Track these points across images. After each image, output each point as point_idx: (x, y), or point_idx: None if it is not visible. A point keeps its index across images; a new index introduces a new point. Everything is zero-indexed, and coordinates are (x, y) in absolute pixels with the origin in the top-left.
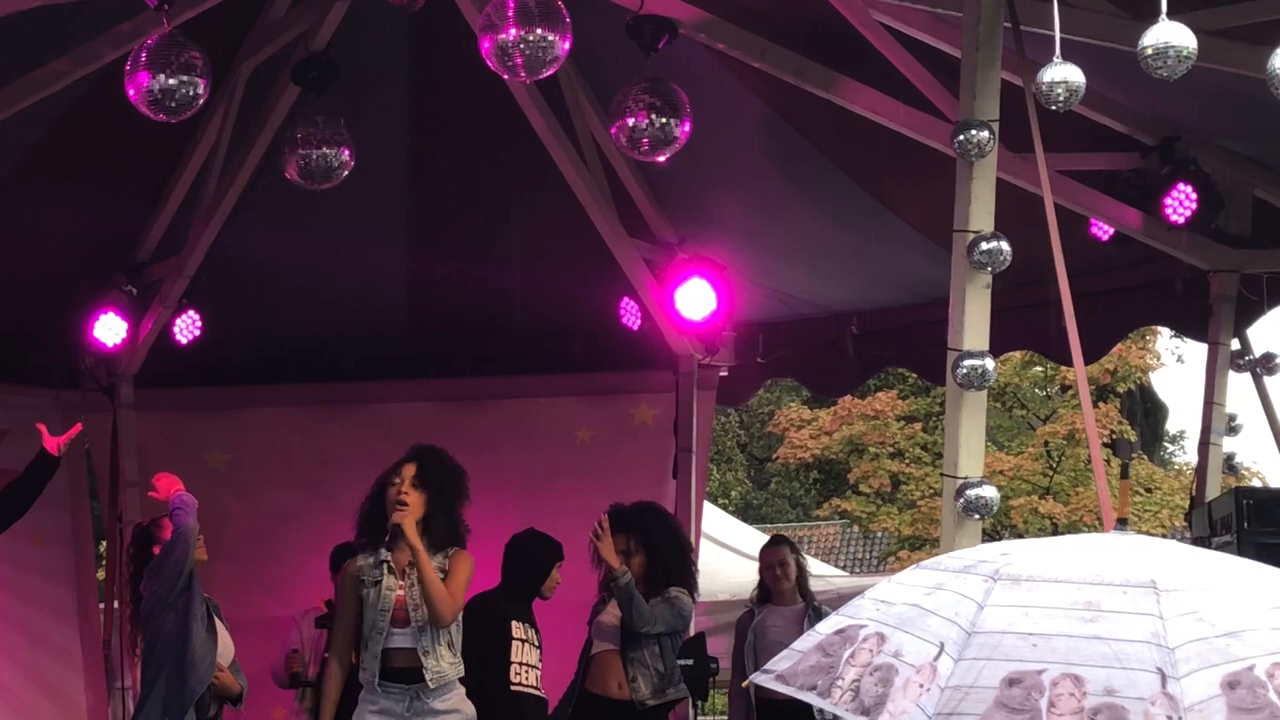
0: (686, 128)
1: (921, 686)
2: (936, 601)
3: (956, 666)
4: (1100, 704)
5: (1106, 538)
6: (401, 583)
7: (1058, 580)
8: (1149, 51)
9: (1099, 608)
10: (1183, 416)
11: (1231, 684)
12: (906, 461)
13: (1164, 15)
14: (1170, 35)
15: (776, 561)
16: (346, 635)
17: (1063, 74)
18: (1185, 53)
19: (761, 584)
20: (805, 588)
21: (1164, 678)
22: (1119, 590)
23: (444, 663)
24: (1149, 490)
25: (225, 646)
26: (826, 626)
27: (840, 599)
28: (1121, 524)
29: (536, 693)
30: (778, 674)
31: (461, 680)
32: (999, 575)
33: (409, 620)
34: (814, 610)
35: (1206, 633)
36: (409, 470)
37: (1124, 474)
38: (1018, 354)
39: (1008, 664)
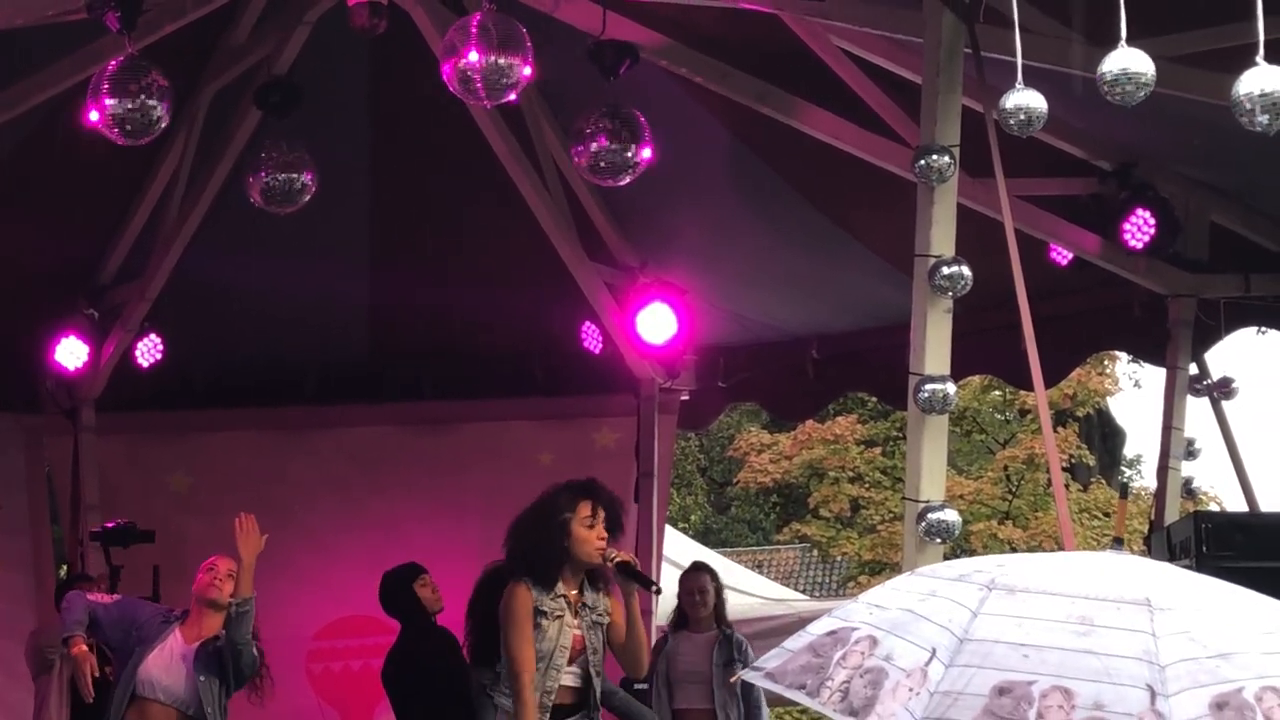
0: (647, 153)
1: (911, 690)
2: (930, 607)
3: (947, 672)
4: (1089, 718)
5: (1102, 555)
6: (577, 620)
7: (1052, 593)
8: (1107, 78)
9: (1092, 622)
10: (1140, 441)
11: (1220, 705)
12: (866, 486)
13: (1123, 42)
14: (1129, 62)
15: (697, 588)
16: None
17: (1023, 100)
18: (1144, 79)
19: (679, 610)
20: (722, 614)
21: (1153, 695)
22: (1113, 606)
23: (598, 701)
24: (1107, 515)
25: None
26: (818, 627)
27: (801, 623)
28: (1117, 543)
29: None
30: (767, 671)
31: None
32: (994, 585)
33: (576, 660)
34: (726, 638)
35: (1197, 653)
36: (594, 508)
37: (1123, 494)
38: (977, 378)
39: (998, 673)
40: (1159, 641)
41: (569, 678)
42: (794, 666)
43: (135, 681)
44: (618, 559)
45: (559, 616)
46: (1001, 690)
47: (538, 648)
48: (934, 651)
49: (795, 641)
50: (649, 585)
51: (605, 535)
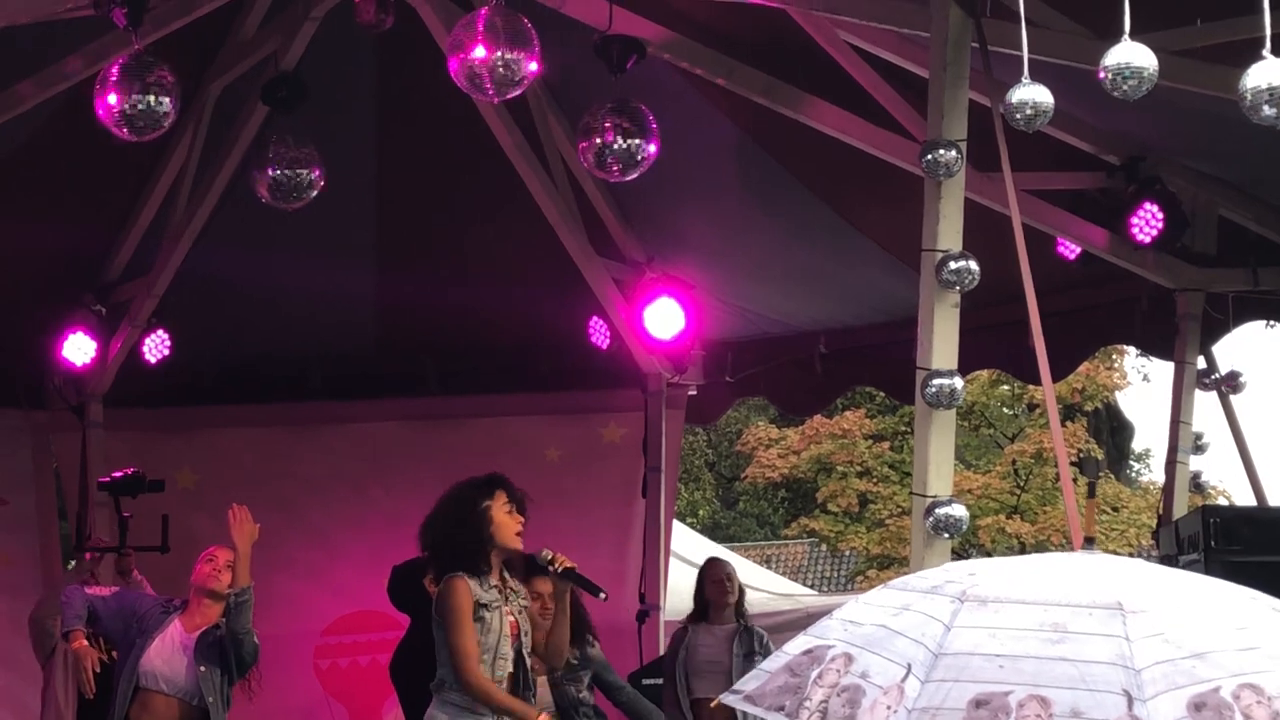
0: (653, 148)
1: (889, 708)
2: (904, 622)
3: (924, 688)
4: None
5: (1074, 557)
6: (509, 607)
7: (1024, 601)
8: (1110, 72)
9: (1065, 629)
10: (1148, 435)
11: (1198, 705)
12: (874, 480)
13: (1126, 36)
14: (1131, 56)
15: (724, 575)
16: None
17: (1030, 94)
18: (1146, 73)
19: (700, 601)
20: (741, 607)
21: (1130, 699)
22: (1085, 612)
23: (536, 687)
24: (1115, 509)
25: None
26: (795, 646)
27: (809, 618)
28: (1089, 543)
29: None
30: (746, 694)
31: None
32: (966, 596)
33: (512, 645)
34: (746, 630)
35: (1172, 654)
36: (510, 496)
37: (1091, 493)
38: (984, 373)
39: (975, 685)
40: (1133, 645)
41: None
42: (772, 688)
43: (138, 673)
44: (562, 566)
45: (498, 606)
46: (979, 703)
47: (484, 640)
48: (910, 667)
49: (773, 662)
50: (596, 591)
51: (523, 520)
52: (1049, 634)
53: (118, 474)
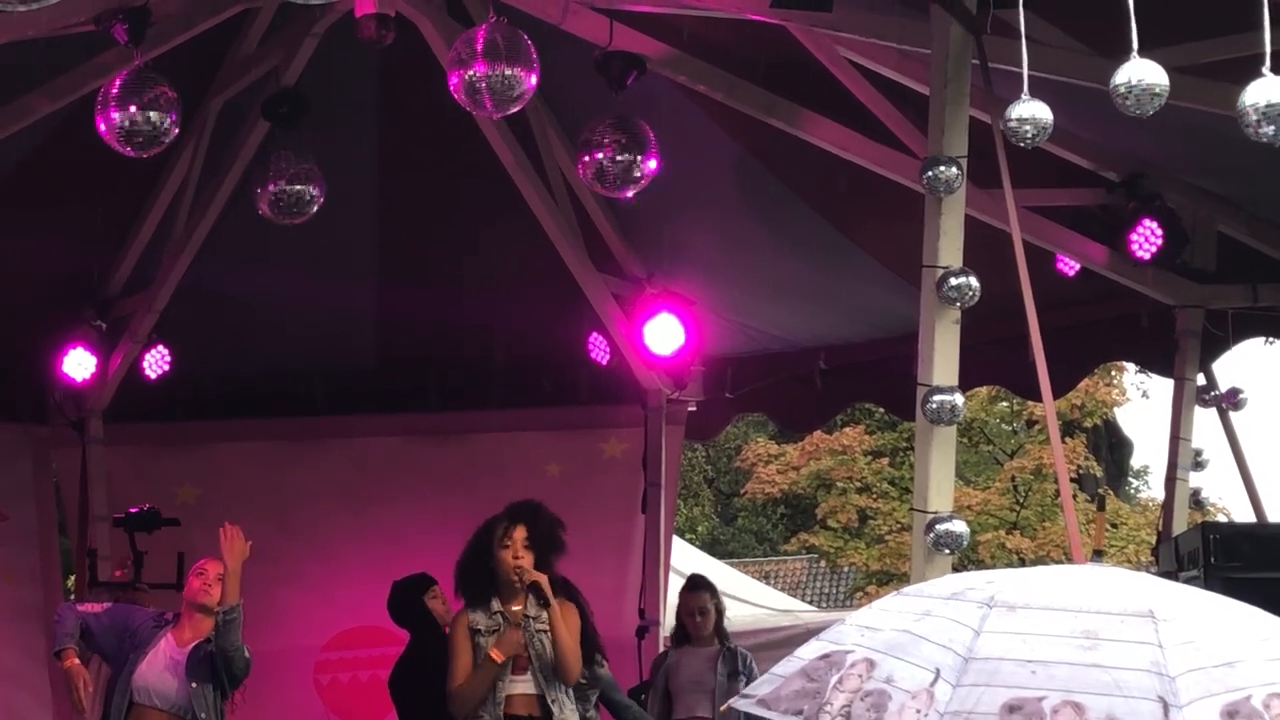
0: (653, 164)
1: (919, 712)
2: (927, 627)
3: (955, 692)
4: None
5: (1089, 569)
6: (519, 633)
7: (1054, 608)
8: (1121, 89)
9: (1098, 636)
10: (1148, 451)
11: (1230, 713)
12: (874, 496)
13: (1135, 53)
14: (1143, 73)
15: (697, 608)
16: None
17: (1031, 111)
18: (1157, 90)
19: (679, 626)
20: (721, 630)
21: (1166, 706)
22: (1117, 619)
23: (567, 711)
24: (1114, 526)
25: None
26: (809, 651)
27: (808, 634)
28: (1097, 555)
29: None
30: (759, 698)
31: None
32: (994, 602)
33: (528, 668)
34: (729, 651)
35: (1204, 662)
36: (519, 534)
37: (1100, 506)
38: (984, 389)
39: (1007, 690)
40: (1166, 652)
41: (521, 686)
42: (788, 692)
43: (131, 689)
44: (529, 580)
45: (494, 631)
46: (1012, 708)
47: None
48: (938, 672)
49: (785, 667)
50: (545, 604)
51: (520, 554)
52: (1081, 640)
53: (134, 509)
